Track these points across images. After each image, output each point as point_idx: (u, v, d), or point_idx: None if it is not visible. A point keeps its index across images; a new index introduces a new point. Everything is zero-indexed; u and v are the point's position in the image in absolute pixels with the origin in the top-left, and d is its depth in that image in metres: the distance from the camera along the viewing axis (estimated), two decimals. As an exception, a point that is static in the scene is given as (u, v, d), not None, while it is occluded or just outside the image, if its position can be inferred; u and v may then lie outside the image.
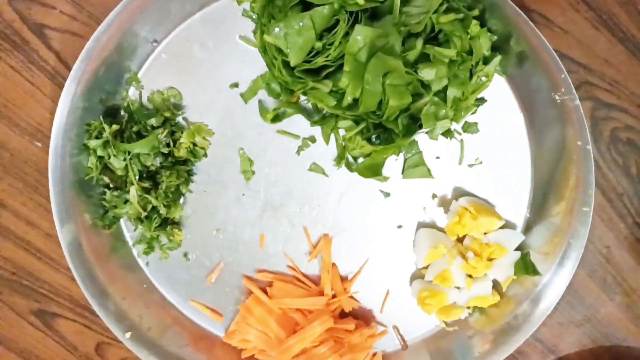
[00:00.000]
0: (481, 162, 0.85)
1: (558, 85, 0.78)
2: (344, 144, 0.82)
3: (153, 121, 0.81)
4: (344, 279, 0.87)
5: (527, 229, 0.85)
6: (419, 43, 0.69)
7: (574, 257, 0.81)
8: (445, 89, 0.73)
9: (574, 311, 0.89)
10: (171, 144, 0.82)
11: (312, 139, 0.85)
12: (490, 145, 0.84)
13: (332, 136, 0.83)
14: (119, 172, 0.81)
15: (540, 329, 0.84)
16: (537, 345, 0.90)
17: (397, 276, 0.87)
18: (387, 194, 0.85)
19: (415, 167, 0.84)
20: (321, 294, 0.85)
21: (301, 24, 0.67)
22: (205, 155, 0.85)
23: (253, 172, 0.85)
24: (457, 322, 0.86)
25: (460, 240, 0.85)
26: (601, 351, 0.90)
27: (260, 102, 0.84)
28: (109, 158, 0.79)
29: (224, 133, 0.85)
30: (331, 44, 0.70)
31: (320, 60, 0.70)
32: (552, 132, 0.81)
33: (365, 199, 0.85)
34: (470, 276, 0.83)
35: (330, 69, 0.71)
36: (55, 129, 0.79)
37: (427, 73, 0.69)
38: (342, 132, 0.82)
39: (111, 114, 0.83)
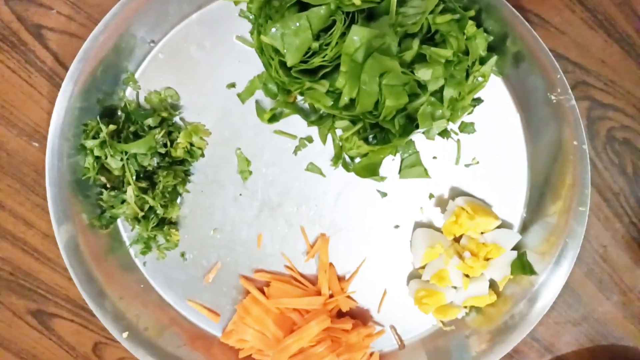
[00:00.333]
0: (478, 162, 0.85)
1: (554, 85, 0.78)
2: (341, 144, 0.82)
3: (150, 121, 0.81)
4: (341, 279, 0.87)
5: (524, 228, 0.85)
6: (416, 43, 0.69)
7: (570, 257, 0.81)
8: (441, 89, 0.73)
9: (571, 310, 0.89)
10: (168, 144, 0.82)
11: (309, 139, 0.85)
12: (486, 145, 0.84)
13: (329, 136, 0.84)
14: (116, 172, 0.81)
15: (537, 328, 0.84)
16: (534, 345, 0.90)
17: (394, 276, 0.87)
18: (384, 194, 0.85)
19: (412, 167, 0.84)
20: (318, 293, 0.85)
21: (298, 24, 0.67)
22: (203, 155, 0.85)
23: (250, 172, 0.85)
24: (454, 322, 0.86)
25: (457, 240, 0.85)
26: (598, 350, 0.90)
27: (257, 102, 0.84)
28: (106, 158, 0.79)
29: (221, 133, 0.85)
30: (328, 45, 0.70)
31: (317, 61, 0.70)
32: (548, 132, 0.81)
33: (363, 199, 0.85)
34: (467, 276, 0.83)
35: (327, 69, 0.71)
36: (52, 129, 0.79)
37: (423, 73, 0.69)
38: (339, 132, 0.82)
39: (108, 114, 0.83)
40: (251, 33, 0.82)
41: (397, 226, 0.86)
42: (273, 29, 0.68)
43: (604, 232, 0.88)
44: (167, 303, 0.87)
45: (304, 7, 0.69)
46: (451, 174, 0.85)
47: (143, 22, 0.81)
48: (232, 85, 0.84)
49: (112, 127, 0.80)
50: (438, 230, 0.86)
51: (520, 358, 0.90)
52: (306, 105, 0.84)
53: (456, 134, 0.84)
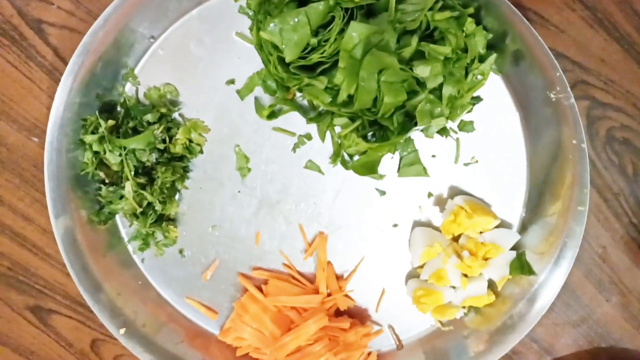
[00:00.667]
0: (477, 161, 0.85)
1: (553, 83, 0.78)
2: (339, 141, 0.82)
3: (149, 117, 0.81)
4: (339, 277, 0.86)
5: (523, 228, 0.85)
6: (414, 40, 0.69)
7: (569, 257, 0.80)
8: (440, 86, 0.73)
9: (570, 311, 0.88)
10: (167, 140, 0.82)
11: (308, 137, 0.85)
12: (486, 143, 0.84)
13: (328, 134, 0.83)
14: (115, 168, 0.81)
15: (536, 329, 0.84)
16: (533, 346, 0.89)
17: (393, 275, 0.86)
18: (382, 192, 0.85)
19: (411, 165, 0.83)
20: (316, 292, 0.85)
21: (296, 20, 0.67)
22: (201, 151, 0.85)
23: (249, 169, 0.85)
24: (453, 322, 0.86)
25: (455, 239, 0.85)
26: (597, 352, 0.89)
27: (256, 99, 0.84)
28: (105, 153, 0.79)
29: (220, 130, 0.85)
30: (326, 41, 0.70)
31: (315, 57, 0.70)
32: (547, 131, 0.81)
33: (361, 197, 0.85)
34: (465, 275, 0.83)
35: (326, 66, 0.71)
36: (51, 123, 0.79)
37: (422, 70, 0.69)
38: (337, 129, 0.82)
39: (107, 109, 0.83)
40: (250, 29, 0.82)
41: (395, 225, 0.86)
42: (271, 25, 0.68)
43: (604, 233, 0.87)
44: (165, 300, 0.87)
45: (302, 3, 0.69)
46: (450, 172, 0.85)
47: (143, 17, 0.81)
48: (232, 81, 0.84)
49: (111, 122, 0.80)
50: (437, 229, 0.85)
51: (519, 359, 0.89)
52: (305, 102, 0.84)
53: (455, 132, 0.84)
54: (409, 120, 0.75)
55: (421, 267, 0.84)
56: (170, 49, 0.84)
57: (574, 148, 0.78)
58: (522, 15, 0.77)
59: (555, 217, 0.81)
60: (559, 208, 0.81)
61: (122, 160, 0.79)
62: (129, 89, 0.84)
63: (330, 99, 0.73)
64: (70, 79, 0.79)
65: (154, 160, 0.82)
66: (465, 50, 0.73)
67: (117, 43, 0.80)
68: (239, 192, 0.86)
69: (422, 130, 0.79)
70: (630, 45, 0.86)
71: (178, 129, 0.82)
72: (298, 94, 0.83)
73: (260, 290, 0.85)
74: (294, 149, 0.85)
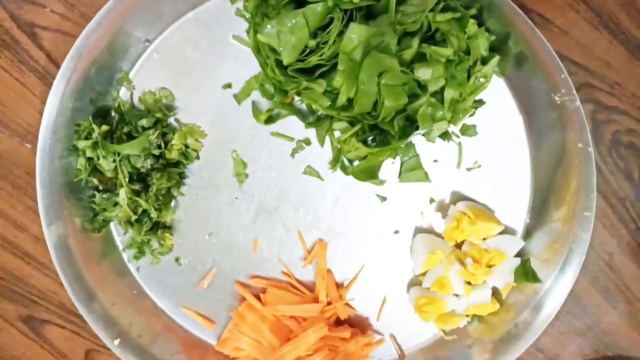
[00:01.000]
0: (480, 166, 0.84)
1: (558, 86, 0.77)
2: (339, 146, 0.81)
3: (144, 122, 0.80)
4: (339, 286, 0.85)
5: (527, 234, 0.84)
6: (415, 42, 0.68)
7: (575, 264, 0.79)
8: (442, 90, 0.72)
9: (575, 320, 0.87)
10: (162, 145, 0.81)
11: (307, 142, 0.84)
12: (489, 148, 0.83)
13: (327, 138, 0.82)
14: (109, 174, 0.80)
15: (541, 338, 0.82)
16: (538, 355, 0.88)
17: (394, 283, 0.85)
18: (383, 198, 0.84)
19: (412, 170, 0.83)
20: (316, 300, 0.84)
21: (294, 22, 0.66)
22: (198, 157, 0.84)
23: (246, 175, 0.84)
24: (456, 331, 0.85)
25: (458, 246, 0.84)
26: None
27: (253, 103, 0.84)
28: (99, 159, 0.78)
29: (216, 135, 0.84)
30: (325, 43, 0.69)
31: (314, 59, 0.69)
32: (552, 135, 0.80)
33: (361, 203, 0.84)
34: (469, 283, 0.82)
35: (325, 69, 0.70)
36: (43, 128, 0.78)
37: (423, 73, 0.68)
38: (337, 134, 0.81)
39: (101, 114, 0.82)
40: (247, 32, 0.81)
41: (396, 231, 0.85)
42: (268, 26, 0.67)
43: (610, 239, 0.86)
44: (160, 309, 0.86)
45: (300, 4, 0.68)
46: (452, 177, 0.84)
47: (137, 20, 0.80)
48: (228, 85, 0.83)
49: (104, 127, 0.79)
50: (439, 235, 0.84)
51: (524, 368, 0.88)
52: (304, 107, 0.83)
53: (457, 136, 0.83)
54: (410, 125, 0.75)
55: (423, 274, 0.84)
56: (165, 53, 0.83)
57: (579, 152, 0.77)
58: (525, 16, 0.76)
59: (561, 223, 0.80)
60: (564, 214, 0.80)
61: (116, 166, 0.78)
62: (123, 93, 0.84)
63: (330, 103, 0.72)
64: (62, 84, 0.78)
65: (149, 167, 0.81)
66: (467, 52, 0.72)
67: (111, 46, 0.80)
68: (236, 198, 0.84)
69: (423, 135, 0.78)
70: (635, 47, 0.85)
71: (174, 134, 0.82)
72: (296, 98, 0.82)
73: (259, 299, 0.84)
74: (292, 155, 0.84)
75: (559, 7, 0.84)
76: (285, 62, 0.69)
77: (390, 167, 0.84)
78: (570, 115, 0.77)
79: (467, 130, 0.82)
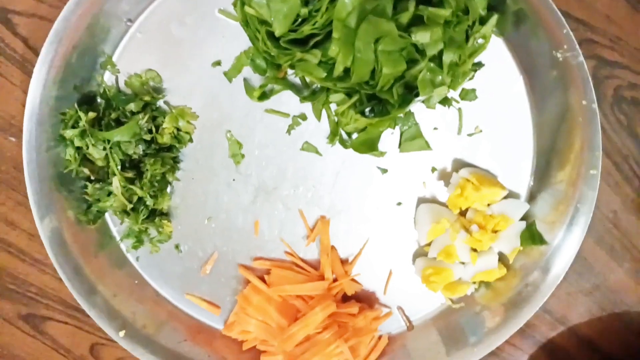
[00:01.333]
0: (481, 131, 0.82)
1: (560, 41, 0.75)
2: (336, 119, 0.80)
3: (132, 106, 0.77)
4: (344, 262, 0.85)
5: (532, 197, 0.83)
6: (412, 4, 0.66)
7: (582, 223, 0.79)
8: (440, 54, 0.70)
9: (582, 280, 0.87)
10: (153, 129, 0.79)
11: (303, 117, 0.82)
12: (489, 112, 0.82)
13: (324, 112, 0.81)
14: (100, 163, 0.78)
15: (549, 300, 0.82)
16: (546, 317, 0.88)
17: (400, 255, 0.85)
18: (384, 170, 0.83)
19: (413, 139, 0.81)
20: (322, 278, 0.83)
21: (284, -11, 0.63)
22: (191, 140, 0.82)
23: (242, 156, 0.82)
24: (464, 299, 0.85)
25: (462, 213, 0.83)
26: (611, 319, 0.88)
27: (245, 80, 0.81)
28: (88, 148, 0.76)
29: (209, 116, 0.82)
30: (318, 10, 0.67)
31: (306, 29, 0.67)
32: (554, 94, 0.79)
33: (362, 177, 0.83)
34: (474, 250, 0.81)
35: (318, 38, 0.68)
36: (27, 119, 0.75)
37: (421, 36, 0.66)
38: (333, 106, 0.79)
39: (87, 101, 0.80)
40: (234, 5, 0.78)
41: (399, 203, 0.84)
42: (258, -4, 0.64)
43: (614, 198, 0.86)
44: (164, 298, 0.85)
45: (289, -29, 0.65)
46: (453, 145, 0.83)
47: (117, -2, 0.77)
48: (218, 63, 0.81)
49: (91, 114, 0.76)
50: (443, 204, 0.84)
51: (532, 331, 0.89)
52: (298, 81, 0.81)
53: (457, 102, 0.81)
54: (409, 92, 0.73)
55: (428, 245, 0.83)
56: (149, 32, 0.81)
57: (583, 109, 0.76)
58: (522, -28, 0.74)
59: (565, 184, 0.79)
60: (569, 174, 0.79)
61: (106, 154, 0.76)
62: (108, 78, 0.81)
63: (325, 74, 0.70)
64: (44, 70, 0.75)
65: (141, 153, 0.79)
66: (465, 12, 0.70)
67: (92, 28, 0.77)
68: (233, 180, 0.83)
69: (423, 102, 0.76)
70: (636, 0, 0.83)
71: (164, 118, 0.79)
72: (290, 72, 0.80)
73: (263, 280, 0.83)
74: (288, 131, 0.82)
75: (556, -40, 0.82)
76: (277, 33, 0.67)
77: (389, 138, 0.82)
78: (573, 71, 0.76)
79: (467, 95, 0.81)
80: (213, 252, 0.84)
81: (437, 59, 0.70)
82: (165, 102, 0.81)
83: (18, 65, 0.82)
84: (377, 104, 0.75)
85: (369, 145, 0.79)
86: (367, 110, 0.77)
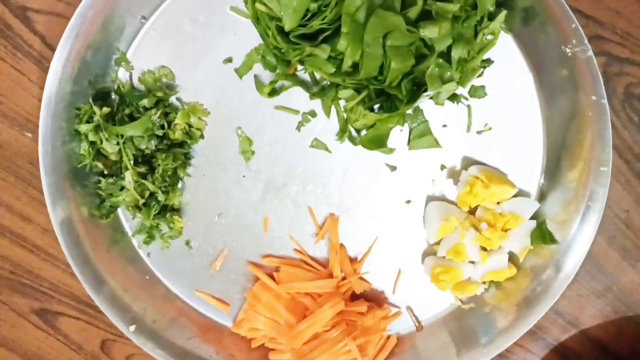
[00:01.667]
0: (490, 128, 0.82)
1: (568, 36, 0.75)
2: (345, 115, 0.80)
3: (145, 102, 0.78)
4: (353, 260, 0.84)
5: (542, 195, 0.82)
6: None
7: (593, 221, 0.78)
8: (449, 49, 0.70)
9: (594, 281, 0.86)
10: (165, 125, 0.80)
11: (312, 114, 0.82)
12: (499, 109, 0.81)
13: (333, 108, 0.81)
14: (113, 157, 0.78)
15: (560, 301, 0.81)
16: (557, 319, 0.87)
17: (409, 254, 0.84)
18: (393, 168, 0.83)
19: (422, 137, 0.81)
20: (330, 276, 0.83)
21: (294, -16, 0.64)
22: (202, 136, 0.83)
23: (252, 152, 0.83)
24: (473, 299, 0.84)
25: (472, 211, 0.82)
26: (624, 322, 0.87)
27: (255, 76, 0.82)
28: (102, 143, 0.77)
29: (220, 112, 0.82)
30: (327, 5, 0.67)
31: (316, 24, 0.67)
32: (564, 90, 0.78)
33: (371, 174, 0.83)
34: (484, 249, 0.81)
35: (328, 33, 0.69)
36: (43, 114, 0.76)
37: (430, 31, 0.66)
38: (342, 103, 0.79)
39: (101, 97, 0.81)
40: (245, 2, 0.79)
41: (408, 201, 0.83)
42: (267, -10, 0.65)
43: (626, 196, 0.85)
44: (174, 294, 0.85)
45: (299, -34, 0.66)
46: (463, 142, 0.82)
47: (132, -4, 0.78)
48: (229, 60, 0.82)
49: (106, 109, 0.77)
50: (452, 202, 0.83)
51: (543, 334, 0.87)
52: (307, 77, 0.81)
53: (466, 99, 0.81)
54: (418, 88, 0.73)
55: (438, 243, 0.82)
56: (162, 29, 0.81)
57: (593, 105, 0.76)
58: (531, -32, 0.74)
59: (576, 182, 0.78)
60: (580, 171, 0.78)
61: (120, 149, 0.77)
62: (122, 74, 0.82)
63: (334, 69, 0.71)
64: (60, 66, 0.76)
65: (154, 148, 0.79)
66: (473, 7, 0.70)
67: (107, 25, 0.78)
68: (243, 176, 0.83)
69: (431, 98, 0.76)
70: (646, -5, 0.83)
71: (176, 114, 0.80)
72: (299, 68, 0.81)
73: (272, 278, 0.83)
74: (298, 128, 0.82)
75: (565, -43, 0.82)
76: (287, 28, 0.67)
77: (398, 135, 0.82)
78: (582, 67, 0.75)
79: (476, 92, 0.80)
80: (223, 249, 0.84)
81: (446, 54, 0.70)
82: (178, 99, 0.82)
83: (35, 62, 0.84)
84: (385, 100, 0.75)
85: (377, 142, 0.79)
86: (376, 106, 0.77)
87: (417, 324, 0.85)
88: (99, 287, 0.80)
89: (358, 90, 0.74)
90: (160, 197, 0.79)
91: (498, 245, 0.80)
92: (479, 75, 0.78)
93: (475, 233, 0.79)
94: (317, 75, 0.79)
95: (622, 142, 0.84)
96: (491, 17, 0.73)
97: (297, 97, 0.81)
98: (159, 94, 0.80)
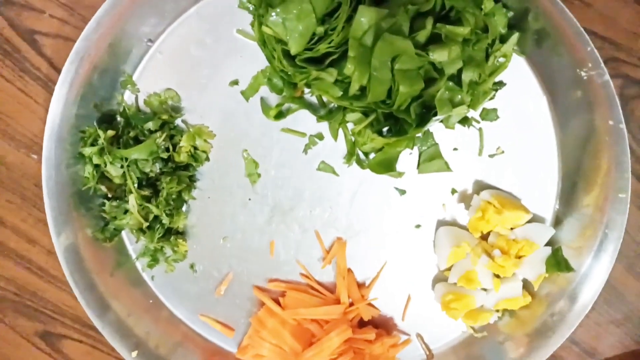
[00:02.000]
0: (503, 152, 0.81)
1: (584, 60, 0.74)
2: (353, 139, 0.79)
3: (150, 125, 0.79)
4: (361, 285, 0.83)
5: (557, 221, 0.81)
6: (429, 22, 0.66)
7: (611, 250, 0.77)
8: (460, 72, 0.69)
9: (612, 309, 0.84)
10: (171, 148, 0.80)
11: (320, 136, 0.82)
12: (511, 132, 0.81)
13: (341, 131, 0.81)
14: (117, 181, 0.78)
15: (577, 330, 0.79)
16: (574, 349, 0.85)
17: (418, 280, 0.83)
18: (402, 192, 0.82)
19: (432, 160, 0.80)
20: (337, 302, 0.82)
21: (300, 8, 0.64)
22: (208, 159, 0.83)
23: (259, 175, 0.82)
24: (486, 327, 0.82)
25: (484, 237, 0.81)
26: None
27: (262, 99, 0.82)
28: (106, 166, 0.77)
29: (226, 135, 0.83)
30: (334, 29, 0.67)
31: (322, 47, 0.67)
32: (579, 114, 0.77)
33: (380, 198, 0.82)
34: (497, 276, 0.80)
35: (334, 56, 0.69)
36: (47, 137, 0.77)
37: (439, 55, 0.65)
38: (350, 126, 0.79)
39: (107, 120, 0.81)
40: (252, 25, 0.79)
41: (418, 226, 0.82)
42: (273, 15, 0.65)
43: (645, 222, 0.82)
44: (178, 318, 0.85)
45: (306, -10, 0.66)
46: (474, 166, 0.82)
47: (138, 19, 0.79)
48: (235, 82, 0.82)
49: (110, 132, 0.78)
50: (463, 228, 0.82)
51: (560, 364, 0.84)
52: (314, 100, 0.81)
53: (478, 122, 0.80)
54: (427, 111, 0.72)
55: (449, 269, 0.81)
56: (169, 52, 0.82)
57: (610, 130, 0.75)
58: (544, -11, 0.74)
59: (592, 208, 0.77)
60: (596, 197, 0.77)
61: (124, 172, 0.77)
62: (128, 97, 0.82)
63: (341, 93, 0.70)
64: (64, 89, 0.77)
65: (158, 171, 0.79)
66: (484, 30, 0.69)
67: (113, 48, 0.78)
68: (249, 200, 0.83)
69: (441, 121, 0.76)
70: (663, 17, 0.81)
71: (182, 136, 0.80)
72: (306, 91, 0.81)
73: (278, 303, 0.82)
74: (305, 151, 0.82)
75: (579, -22, 0.81)
76: (293, 52, 0.67)
77: (408, 158, 0.81)
78: (598, 90, 0.74)
79: (488, 115, 0.80)
80: (228, 273, 0.83)
81: (456, 77, 0.69)
82: (183, 121, 0.82)
83: (42, 85, 0.85)
84: (394, 123, 0.75)
85: (386, 166, 0.79)
86: (384, 130, 0.77)
87: (427, 352, 0.83)
88: (102, 312, 0.80)
89: (366, 114, 0.74)
90: (165, 220, 0.79)
91: (512, 272, 0.79)
92: (491, 98, 0.78)
93: (488, 260, 0.78)
94: (325, 98, 0.79)
95: (640, 165, 0.82)
96: (503, 39, 0.73)
97: (304, 119, 0.81)
98: (165, 116, 0.80)
